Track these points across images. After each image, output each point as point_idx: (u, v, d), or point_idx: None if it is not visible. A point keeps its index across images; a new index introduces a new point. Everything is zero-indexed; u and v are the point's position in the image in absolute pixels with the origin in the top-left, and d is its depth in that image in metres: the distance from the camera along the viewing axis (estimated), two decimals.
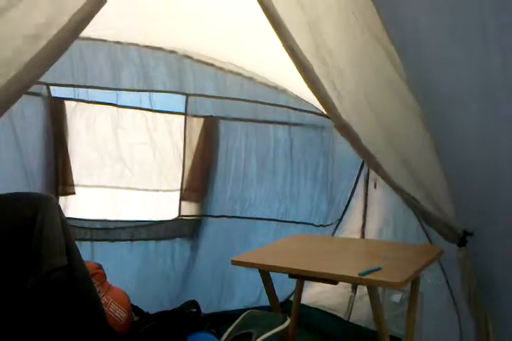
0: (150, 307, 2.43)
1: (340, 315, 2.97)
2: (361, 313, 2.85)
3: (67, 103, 2.60)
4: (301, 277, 2.07)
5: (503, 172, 1.82)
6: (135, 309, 2.29)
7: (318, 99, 1.68)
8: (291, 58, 1.56)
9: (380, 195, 2.81)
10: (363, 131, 1.72)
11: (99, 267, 2.16)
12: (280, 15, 1.50)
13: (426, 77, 1.79)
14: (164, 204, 2.92)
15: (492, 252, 1.98)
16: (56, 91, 2.57)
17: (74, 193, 2.65)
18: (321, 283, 2.05)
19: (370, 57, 1.73)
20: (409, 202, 1.87)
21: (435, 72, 1.79)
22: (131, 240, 2.82)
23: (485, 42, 1.65)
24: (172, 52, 2.80)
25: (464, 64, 1.73)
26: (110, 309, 2.07)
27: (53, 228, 1.59)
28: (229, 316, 2.08)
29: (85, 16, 1.38)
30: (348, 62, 1.69)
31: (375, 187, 2.87)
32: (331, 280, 1.89)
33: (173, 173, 2.92)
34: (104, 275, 2.17)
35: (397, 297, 2.62)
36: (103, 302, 2.00)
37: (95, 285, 1.94)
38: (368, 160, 1.84)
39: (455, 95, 1.78)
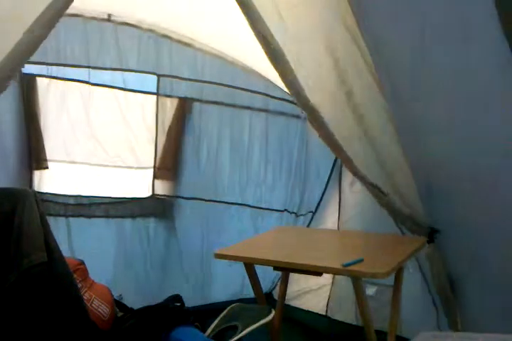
0: (129, 288, 2.45)
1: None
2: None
3: (39, 80, 2.57)
4: (286, 269, 2.07)
5: (471, 170, 1.83)
6: (119, 304, 2.27)
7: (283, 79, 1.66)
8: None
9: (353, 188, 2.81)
10: (331, 117, 1.73)
11: (81, 263, 2.13)
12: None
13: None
14: (137, 182, 2.92)
15: (457, 249, 2.02)
16: (28, 69, 2.53)
17: (47, 167, 2.64)
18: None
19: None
20: (377, 195, 1.89)
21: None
22: (107, 217, 2.82)
23: None
24: (150, 30, 2.76)
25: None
26: (93, 305, 2.04)
27: (32, 223, 1.56)
28: (214, 309, 2.07)
29: None
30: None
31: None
32: (316, 272, 1.89)
33: (145, 151, 2.91)
34: (86, 271, 2.14)
35: (371, 290, 2.61)
36: (86, 298, 1.98)
37: (77, 281, 1.92)
38: (337, 152, 1.85)
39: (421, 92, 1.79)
